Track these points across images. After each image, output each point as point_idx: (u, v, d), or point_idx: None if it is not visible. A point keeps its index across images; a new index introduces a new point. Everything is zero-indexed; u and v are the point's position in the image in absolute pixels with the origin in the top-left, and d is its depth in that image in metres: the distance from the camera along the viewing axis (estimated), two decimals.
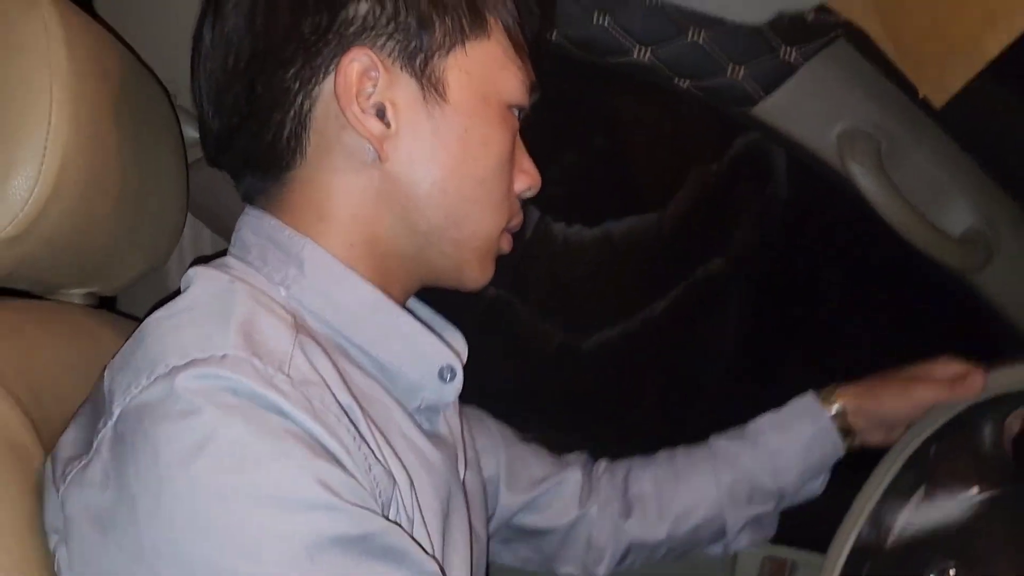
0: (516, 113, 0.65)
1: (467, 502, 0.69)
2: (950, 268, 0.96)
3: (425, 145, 0.60)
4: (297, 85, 0.59)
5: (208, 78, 0.62)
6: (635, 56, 0.87)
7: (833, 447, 0.86)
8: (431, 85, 0.59)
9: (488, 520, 0.81)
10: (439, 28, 0.59)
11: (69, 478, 0.51)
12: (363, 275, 0.61)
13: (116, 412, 0.50)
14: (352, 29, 0.58)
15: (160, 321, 0.54)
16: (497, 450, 0.86)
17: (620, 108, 1.33)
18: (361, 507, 0.50)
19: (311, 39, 0.58)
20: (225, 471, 0.47)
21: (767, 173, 1.33)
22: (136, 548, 0.47)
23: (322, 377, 0.54)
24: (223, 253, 0.65)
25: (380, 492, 0.54)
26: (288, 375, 0.51)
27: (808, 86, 0.88)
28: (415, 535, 0.56)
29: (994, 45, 0.74)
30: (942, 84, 0.79)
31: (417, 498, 0.58)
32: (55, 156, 0.57)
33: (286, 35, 0.58)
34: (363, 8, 0.58)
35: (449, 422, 0.70)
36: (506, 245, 0.68)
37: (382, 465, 0.54)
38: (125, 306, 0.97)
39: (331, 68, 0.58)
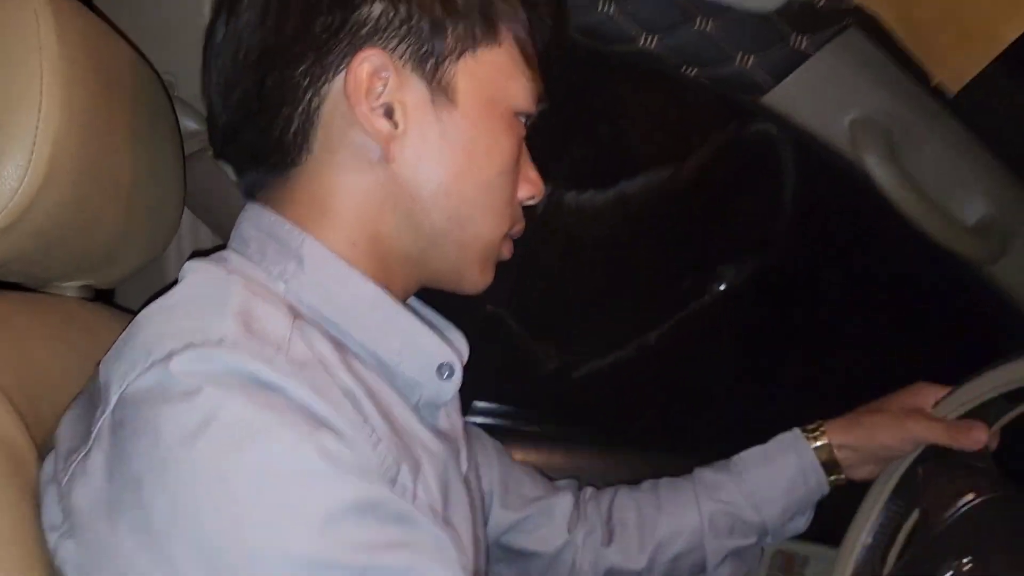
0: (523, 121, 0.66)
1: (470, 497, 0.68)
2: (964, 259, 0.95)
3: (432, 147, 0.61)
4: (307, 82, 0.59)
5: (219, 71, 0.63)
6: (641, 44, 0.86)
7: (817, 483, 0.86)
8: (440, 89, 0.60)
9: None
10: (451, 33, 0.60)
11: (71, 470, 0.51)
12: (364, 273, 0.61)
13: (113, 400, 0.50)
14: (365, 30, 0.59)
15: (154, 311, 0.54)
16: (491, 466, 0.87)
17: (626, 96, 1.31)
18: (369, 476, 0.50)
19: (323, 37, 0.59)
20: (230, 448, 0.47)
21: (777, 164, 1.31)
22: (146, 531, 0.47)
23: (321, 360, 0.54)
24: (223, 247, 0.64)
25: (386, 469, 0.54)
26: (287, 356, 0.52)
27: (819, 74, 0.87)
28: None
29: (1010, 30, 0.73)
30: (957, 70, 0.78)
31: (421, 481, 0.58)
32: (46, 144, 0.56)
33: (298, 33, 0.59)
34: (376, 9, 0.59)
35: (450, 418, 0.70)
36: (507, 251, 0.69)
37: (386, 444, 0.54)
38: (123, 300, 0.96)
39: (342, 67, 0.59)
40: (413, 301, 0.71)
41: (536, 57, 0.65)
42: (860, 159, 0.89)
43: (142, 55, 0.76)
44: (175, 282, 0.57)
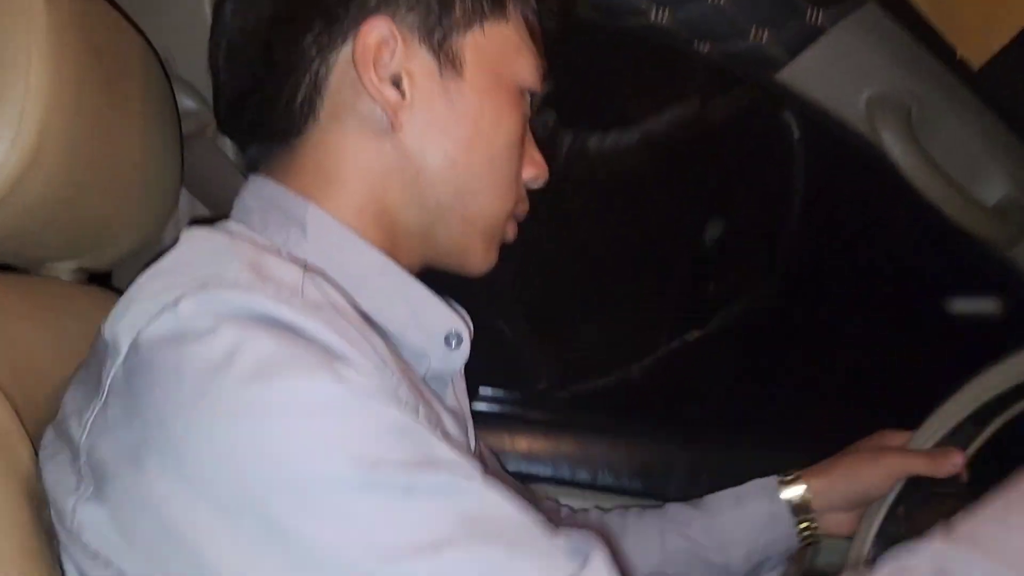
0: (528, 99, 0.66)
1: None
2: (983, 241, 0.93)
3: (438, 118, 0.61)
4: (315, 50, 0.59)
5: (227, 40, 0.63)
6: (653, 18, 0.84)
7: (786, 532, 0.83)
8: (448, 60, 0.61)
9: None
10: (459, 6, 0.61)
11: (87, 426, 0.50)
12: (370, 241, 0.61)
13: (124, 349, 0.49)
14: (374, 1, 0.59)
15: (159, 269, 0.53)
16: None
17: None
18: (397, 404, 0.50)
19: (332, 5, 0.59)
20: (258, 379, 0.46)
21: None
22: (176, 471, 0.46)
23: (335, 305, 0.53)
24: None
25: (410, 406, 0.52)
26: (302, 299, 0.51)
27: (836, 50, 0.85)
28: None
29: None
30: (981, 43, 0.75)
31: (440, 429, 0.56)
32: (33, 119, 0.54)
33: (307, 1, 0.59)
34: None
35: (458, 395, 0.70)
36: (511, 233, 0.69)
37: (406, 388, 0.53)
38: (121, 284, 0.95)
39: (350, 35, 0.59)
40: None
41: (541, 37, 0.65)
42: (877, 137, 0.88)
43: (138, 29, 0.74)
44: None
